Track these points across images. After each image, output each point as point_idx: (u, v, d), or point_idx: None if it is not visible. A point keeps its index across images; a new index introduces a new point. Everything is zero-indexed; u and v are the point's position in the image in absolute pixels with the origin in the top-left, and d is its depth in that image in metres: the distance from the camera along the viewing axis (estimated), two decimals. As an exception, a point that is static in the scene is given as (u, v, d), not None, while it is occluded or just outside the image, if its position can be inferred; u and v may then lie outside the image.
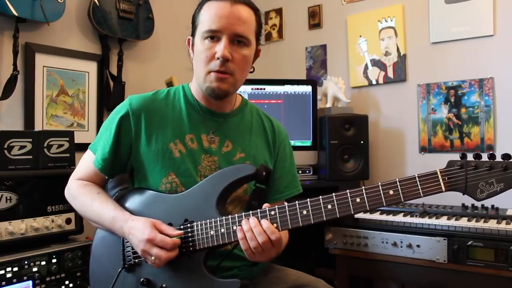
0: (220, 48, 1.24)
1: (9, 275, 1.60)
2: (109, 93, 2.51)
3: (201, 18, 1.29)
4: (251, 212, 1.17)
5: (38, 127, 2.20)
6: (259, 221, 1.14)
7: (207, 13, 1.28)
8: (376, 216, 1.96)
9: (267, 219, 1.15)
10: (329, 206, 1.12)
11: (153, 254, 1.16)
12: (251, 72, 1.40)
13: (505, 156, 1.01)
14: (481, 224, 1.73)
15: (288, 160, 1.50)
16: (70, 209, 1.79)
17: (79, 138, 2.07)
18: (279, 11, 3.06)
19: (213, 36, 1.26)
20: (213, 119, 1.39)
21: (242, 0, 1.29)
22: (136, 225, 1.20)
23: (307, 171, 2.45)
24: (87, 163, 1.40)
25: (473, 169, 1.03)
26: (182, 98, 1.39)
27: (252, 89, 2.46)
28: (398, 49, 2.56)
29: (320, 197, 1.13)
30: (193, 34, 1.34)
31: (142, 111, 1.34)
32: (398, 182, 1.07)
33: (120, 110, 1.35)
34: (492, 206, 1.96)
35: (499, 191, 1.01)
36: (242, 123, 1.43)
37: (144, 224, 1.19)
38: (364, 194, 1.09)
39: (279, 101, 2.49)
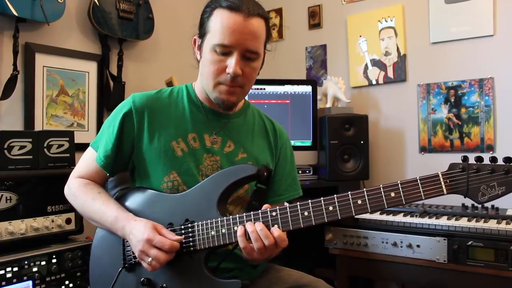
0: (232, 64, 1.22)
1: (9, 275, 1.60)
2: (109, 93, 2.51)
3: (211, 25, 1.25)
4: (252, 212, 1.17)
5: (38, 127, 2.20)
6: (267, 227, 1.14)
7: (218, 23, 1.23)
8: (376, 216, 1.96)
9: (279, 228, 1.14)
10: (331, 208, 1.12)
11: (151, 255, 1.15)
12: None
13: (507, 160, 1.01)
14: (481, 224, 1.73)
15: (289, 162, 1.50)
16: (70, 209, 1.80)
17: (79, 138, 2.07)
18: (279, 11, 3.06)
19: (224, 50, 1.23)
20: (216, 119, 1.39)
21: (256, 11, 1.24)
22: (137, 226, 1.20)
23: (307, 171, 2.45)
24: (88, 160, 1.40)
25: (475, 172, 1.03)
26: (185, 98, 1.39)
27: (252, 89, 2.45)
28: (398, 49, 2.56)
29: (322, 198, 1.13)
30: (200, 37, 1.30)
31: (145, 109, 1.34)
32: (399, 185, 1.07)
33: (123, 107, 1.35)
34: (492, 206, 1.96)
35: (501, 194, 1.01)
36: (244, 125, 1.44)
37: (145, 225, 1.19)
38: (366, 196, 1.09)
39: (286, 101, 2.49)
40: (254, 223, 1.15)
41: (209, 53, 1.26)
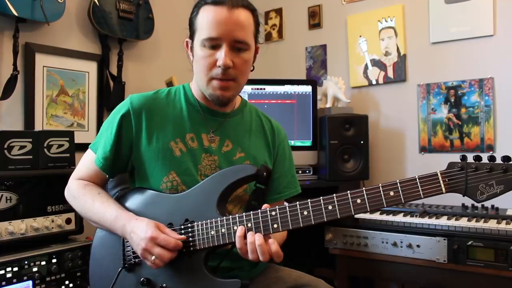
0: (221, 56, 1.24)
1: (9, 275, 1.60)
2: (109, 93, 2.51)
3: (198, 23, 1.28)
4: (251, 212, 1.17)
5: (38, 127, 2.20)
6: (266, 240, 1.13)
7: (205, 19, 1.26)
8: (376, 216, 1.96)
9: (279, 227, 1.14)
10: (330, 207, 1.12)
11: (155, 253, 1.15)
12: (251, 71, 1.40)
13: (505, 158, 1.01)
14: (481, 224, 1.73)
15: (287, 160, 1.50)
16: (70, 209, 1.79)
17: (79, 138, 2.07)
18: (279, 11, 3.05)
19: (213, 43, 1.25)
20: (214, 118, 1.39)
21: (240, 3, 1.27)
22: (139, 225, 1.20)
23: (307, 171, 2.45)
24: (87, 162, 1.40)
25: (473, 171, 1.03)
26: (182, 98, 1.40)
27: (252, 89, 2.46)
28: (398, 49, 2.56)
29: (321, 197, 1.13)
30: (191, 37, 1.33)
31: (143, 110, 1.34)
32: (398, 183, 1.07)
33: (121, 108, 1.35)
34: (492, 206, 1.96)
35: (499, 193, 1.01)
36: (242, 123, 1.44)
37: (148, 224, 1.19)
38: (365, 195, 1.09)
39: (287, 101, 2.49)
40: (255, 233, 1.14)
41: (199, 49, 1.28)
